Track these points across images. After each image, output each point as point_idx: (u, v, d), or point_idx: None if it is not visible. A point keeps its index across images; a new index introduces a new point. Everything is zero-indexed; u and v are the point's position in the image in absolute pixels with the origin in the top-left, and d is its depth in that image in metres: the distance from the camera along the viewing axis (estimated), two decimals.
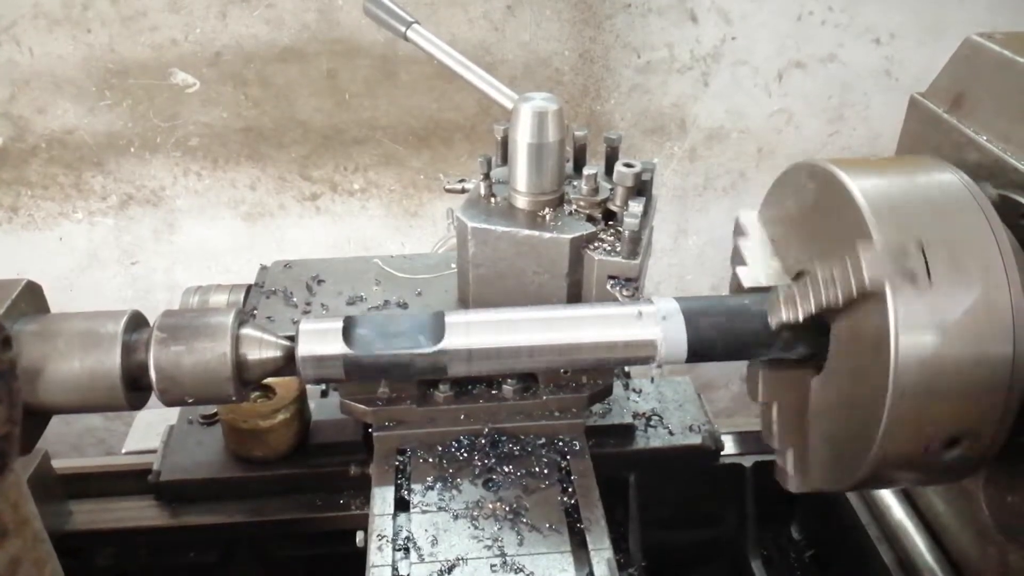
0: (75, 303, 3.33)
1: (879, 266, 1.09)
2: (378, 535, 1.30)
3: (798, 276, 1.32)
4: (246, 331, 1.27)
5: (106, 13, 2.90)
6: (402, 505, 1.37)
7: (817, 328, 1.26)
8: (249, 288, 1.67)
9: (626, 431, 1.80)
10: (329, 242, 3.42)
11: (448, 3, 3.00)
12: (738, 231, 1.48)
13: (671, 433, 1.81)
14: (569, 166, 1.59)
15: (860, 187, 1.16)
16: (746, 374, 1.50)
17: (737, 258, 1.45)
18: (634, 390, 1.90)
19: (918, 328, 1.07)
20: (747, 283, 1.36)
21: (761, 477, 1.91)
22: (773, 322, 1.25)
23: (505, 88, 1.59)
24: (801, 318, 1.21)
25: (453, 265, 1.62)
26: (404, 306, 1.59)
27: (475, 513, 1.34)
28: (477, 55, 3.06)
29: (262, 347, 1.26)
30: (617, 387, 1.86)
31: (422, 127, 3.23)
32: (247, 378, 1.27)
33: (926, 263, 1.08)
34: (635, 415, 1.83)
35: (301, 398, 1.71)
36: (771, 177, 1.43)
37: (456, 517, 1.34)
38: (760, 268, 1.38)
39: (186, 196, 3.28)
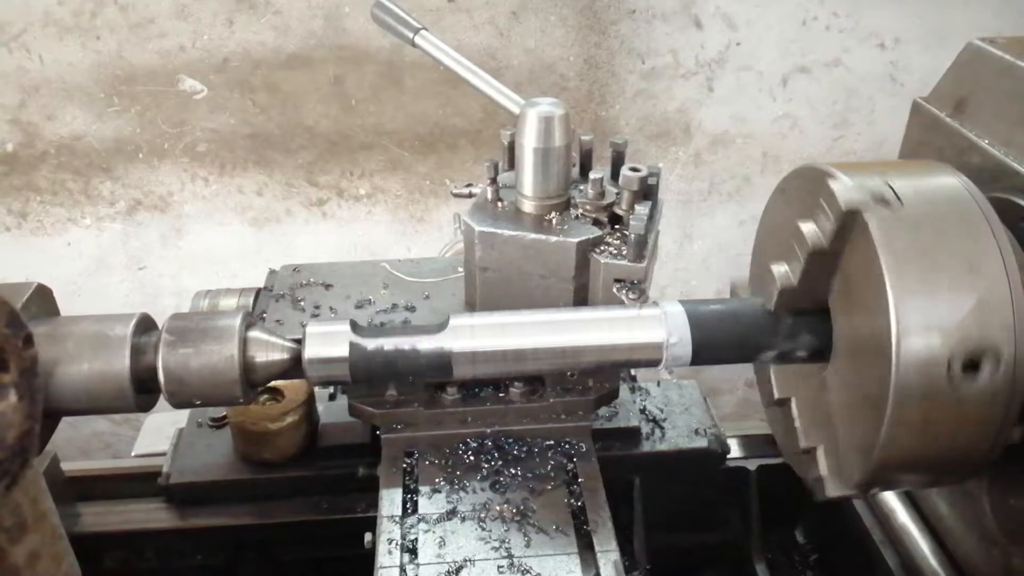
0: (83, 308, 3.33)
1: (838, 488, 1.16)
2: (386, 537, 1.31)
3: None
4: (253, 334, 1.28)
5: (115, 20, 2.92)
6: (410, 507, 1.38)
7: (820, 330, 1.27)
8: (258, 292, 1.69)
9: (632, 434, 1.80)
10: (335, 247, 3.43)
11: (454, 9, 3.02)
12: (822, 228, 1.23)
13: (677, 436, 1.82)
14: (575, 170, 1.60)
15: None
16: (757, 379, 1.51)
17: (795, 259, 1.29)
18: (640, 393, 1.91)
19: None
20: (778, 308, 1.31)
21: (766, 480, 1.92)
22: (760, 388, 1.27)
23: (512, 93, 1.60)
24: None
25: (460, 269, 1.63)
26: (412, 310, 1.60)
27: (482, 515, 1.35)
28: (482, 61, 3.08)
29: (269, 350, 1.27)
30: (623, 390, 1.87)
31: (428, 132, 3.24)
32: (254, 380, 1.28)
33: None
34: (641, 418, 1.84)
35: (309, 401, 1.72)
36: (776, 182, 1.43)
37: (463, 519, 1.35)
38: (801, 292, 1.29)
39: (193, 202, 3.30)
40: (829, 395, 1.28)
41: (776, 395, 1.40)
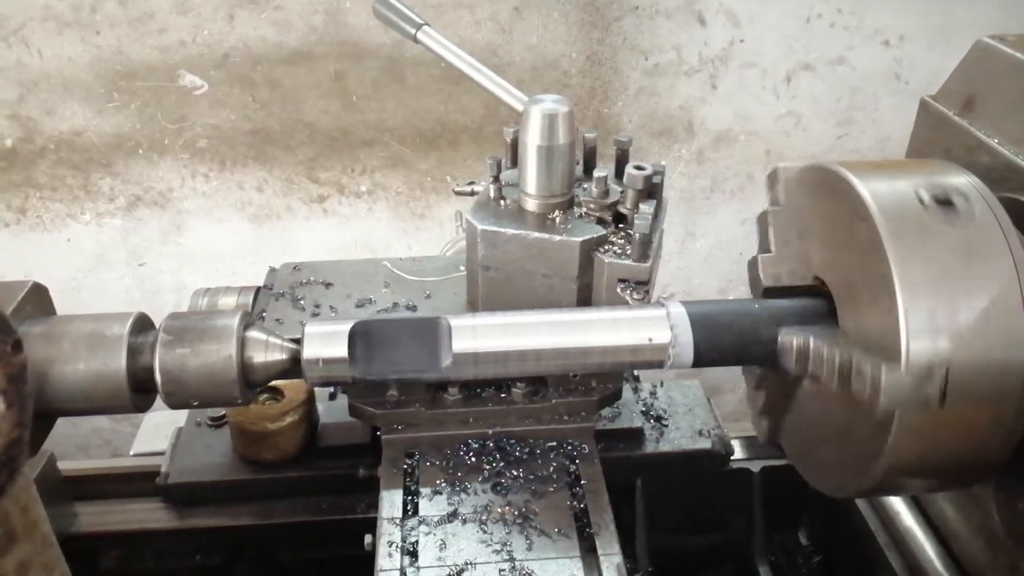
0: (83, 304, 3.33)
1: (898, 392, 1.08)
2: (386, 539, 1.30)
3: (814, 287, 1.30)
4: (252, 334, 1.26)
5: (115, 15, 2.91)
6: (410, 509, 1.37)
7: (824, 322, 1.26)
8: (258, 290, 1.67)
9: (635, 435, 1.79)
10: (336, 244, 3.42)
11: (455, 5, 3.00)
12: (773, 196, 1.39)
13: (680, 437, 1.80)
14: (579, 169, 1.59)
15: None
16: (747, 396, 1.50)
17: (764, 233, 1.39)
18: (643, 394, 1.89)
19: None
20: (766, 281, 1.33)
21: (769, 482, 1.90)
22: (782, 363, 1.24)
23: (515, 90, 1.59)
24: (806, 375, 1.22)
25: (462, 268, 1.62)
26: (413, 309, 1.59)
27: (484, 517, 1.34)
28: (484, 57, 3.06)
29: (268, 350, 1.25)
30: (626, 391, 1.86)
31: (429, 129, 3.23)
32: (252, 381, 1.26)
33: (944, 388, 1.07)
34: (644, 419, 1.82)
35: (309, 401, 1.71)
36: None
37: (465, 521, 1.33)
38: (783, 262, 1.34)
39: (193, 198, 3.29)
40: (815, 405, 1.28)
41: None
